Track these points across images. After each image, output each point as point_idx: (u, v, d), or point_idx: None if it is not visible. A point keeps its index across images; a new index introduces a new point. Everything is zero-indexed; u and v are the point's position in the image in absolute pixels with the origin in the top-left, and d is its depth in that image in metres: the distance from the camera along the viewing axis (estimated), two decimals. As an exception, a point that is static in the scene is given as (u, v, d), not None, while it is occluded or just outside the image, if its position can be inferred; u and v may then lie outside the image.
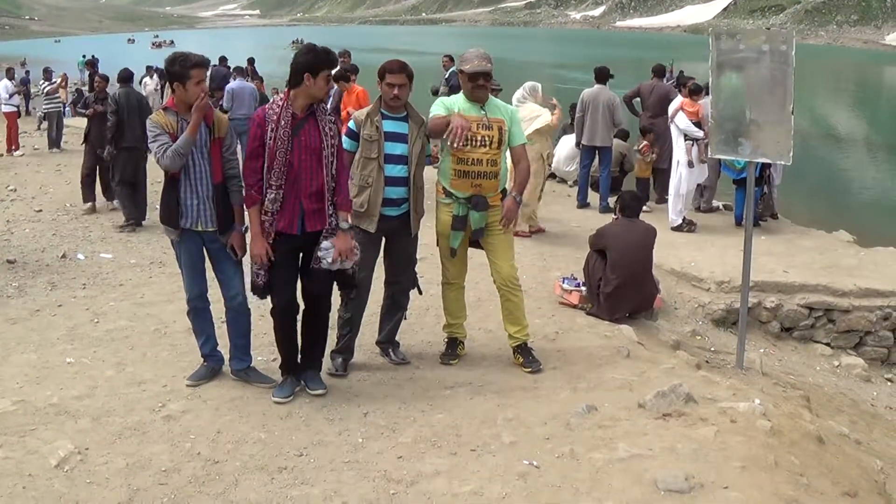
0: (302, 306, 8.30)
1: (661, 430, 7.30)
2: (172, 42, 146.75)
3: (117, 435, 7.36)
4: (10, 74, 33.73)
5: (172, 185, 8.04)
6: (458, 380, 8.70)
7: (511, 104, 9.03)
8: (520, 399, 8.19)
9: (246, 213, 8.16)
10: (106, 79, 19.47)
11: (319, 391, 8.32)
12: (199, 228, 8.11)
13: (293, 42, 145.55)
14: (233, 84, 23.05)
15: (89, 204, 17.22)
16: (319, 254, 7.85)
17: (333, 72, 8.57)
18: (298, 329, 8.35)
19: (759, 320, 12.78)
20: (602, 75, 18.00)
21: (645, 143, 18.29)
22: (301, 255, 8.09)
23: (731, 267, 12.87)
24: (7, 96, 27.63)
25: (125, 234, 15.18)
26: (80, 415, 7.74)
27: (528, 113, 15.00)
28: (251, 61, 32.74)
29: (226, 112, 18.59)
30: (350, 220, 8.17)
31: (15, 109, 27.50)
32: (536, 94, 15.45)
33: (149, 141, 8.06)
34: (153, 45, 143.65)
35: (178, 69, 7.91)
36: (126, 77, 17.45)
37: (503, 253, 8.91)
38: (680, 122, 16.24)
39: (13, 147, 26.18)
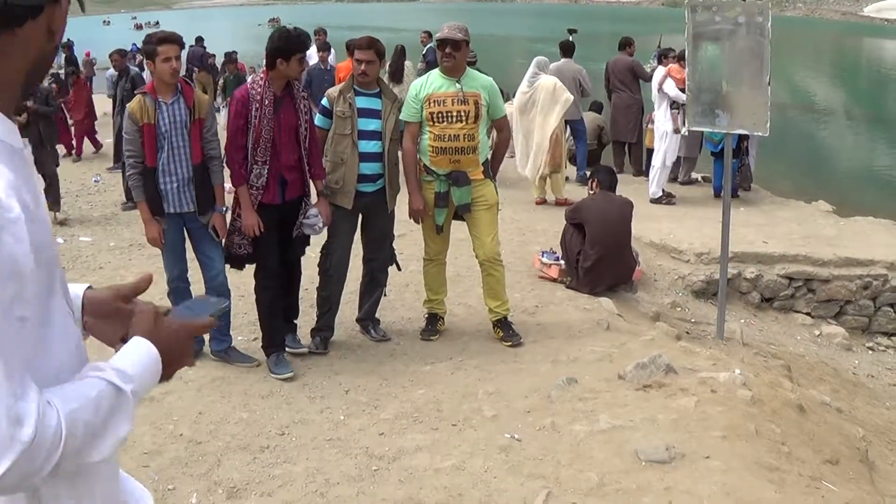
0: None
1: (642, 401, 7.30)
2: (157, 23, 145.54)
3: (99, 417, 7.34)
4: None
5: (149, 173, 8.01)
6: (439, 355, 8.74)
7: (489, 77, 9.03)
8: (500, 373, 8.23)
9: (227, 192, 8.24)
10: None
11: (301, 349, 8.66)
12: (181, 210, 8.13)
13: (270, 20, 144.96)
14: (113, 70, 22.64)
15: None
16: (308, 222, 8.25)
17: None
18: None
19: (739, 291, 12.81)
20: (567, 48, 17.89)
21: None
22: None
23: (710, 238, 12.86)
24: None
25: (104, 218, 15.13)
26: (61, 398, 7.70)
27: (546, 85, 15.21)
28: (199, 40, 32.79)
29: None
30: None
31: None
32: (546, 67, 15.71)
33: (123, 141, 8.16)
34: (136, 26, 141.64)
35: (148, 46, 7.94)
36: (125, 54, 18.48)
37: (486, 228, 8.89)
38: (669, 90, 16.22)
39: None
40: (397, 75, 18.74)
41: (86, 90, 22.04)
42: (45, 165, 14.90)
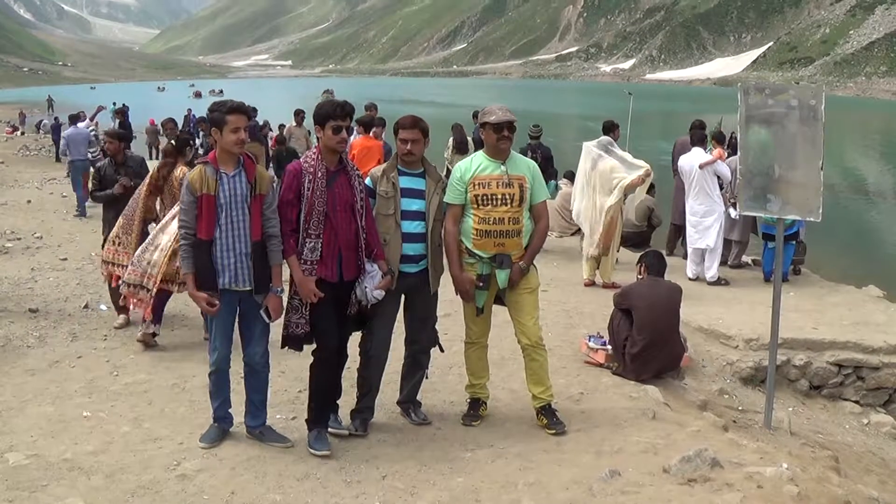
0: None
1: (686, 496, 7.16)
2: (221, 92, 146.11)
3: (130, 493, 7.27)
4: (80, 118, 33.81)
5: (201, 246, 7.92)
6: (480, 441, 8.55)
7: (532, 160, 8.95)
8: (542, 462, 8.04)
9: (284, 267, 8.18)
10: (120, 137, 13.93)
11: (342, 430, 8.54)
12: (237, 288, 8.04)
13: (324, 92, 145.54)
14: (69, 130, 26.32)
15: (122, 317, 12.75)
16: (369, 288, 8.12)
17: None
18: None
19: (788, 378, 12.59)
20: (608, 128, 17.57)
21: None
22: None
23: (760, 324, 12.69)
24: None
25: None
26: (93, 471, 7.67)
27: (604, 167, 15.25)
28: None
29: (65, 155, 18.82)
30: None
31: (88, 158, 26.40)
32: (609, 147, 15.70)
33: (180, 208, 8.07)
34: (195, 94, 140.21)
35: (216, 114, 7.86)
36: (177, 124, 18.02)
37: (528, 312, 8.75)
38: (725, 170, 16.08)
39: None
40: (463, 147, 18.81)
41: None
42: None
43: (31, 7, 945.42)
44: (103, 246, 12.66)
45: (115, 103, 46.30)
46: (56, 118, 54.81)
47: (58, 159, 39.90)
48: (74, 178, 24.95)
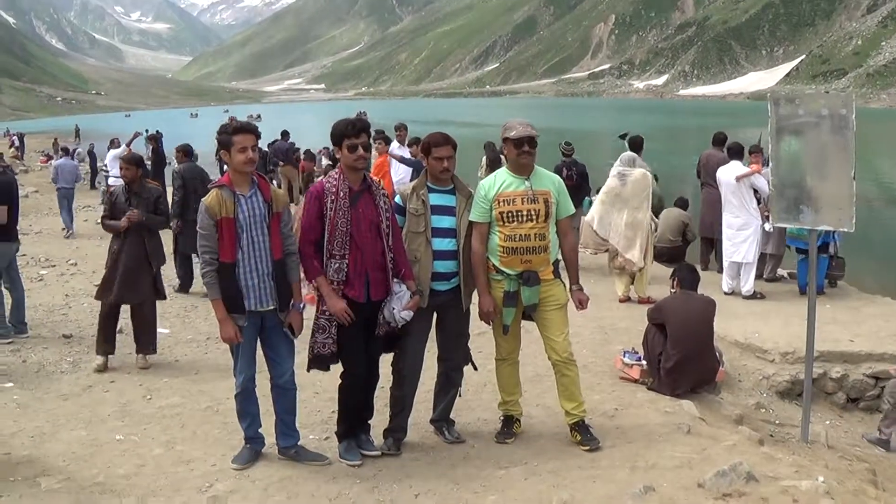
0: None
1: (721, 511, 7.05)
2: (259, 116, 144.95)
3: (162, 516, 7.21)
4: (114, 144, 34.20)
5: (225, 270, 7.87)
6: (513, 459, 8.45)
7: (556, 175, 8.83)
8: (575, 479, 7.93)
9: (304, 289, 8.14)
10: (138, 163, 12.50)
11: (374, 451, 8.44)
12: (261, 308, 8.01)
13: (358, 114, 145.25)
14: (58, 160, 29.86)
15: (101, 359, 11.88)
16: (396, 309, 8.04)
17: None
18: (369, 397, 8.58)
19: (825, 391, 12.48)
20: (635, 144, 17.45)
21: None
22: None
23: (796, 337, 12.53)
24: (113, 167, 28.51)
25: (184, 310, 15.10)
26: (125, 494, 7.65)
27: (639, 174, 15.70)
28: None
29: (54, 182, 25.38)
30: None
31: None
32: (633, 162, 15.95)
33: (198, 237, 7.97)
34: (230, 120, 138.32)
35: (223, 137, 7.84)
36: (188, 152, 18.06)
37: (557, 328, 8.65)
38: (762, 183, 15.90)
39: None
40: (496, 165, 18.90)
41: None
42: (141, 293, 12.23)
43: (63, 37, 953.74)
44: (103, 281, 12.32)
45: (147, 130, 46.40)
46: (91, 144, 55.07)
47: (93, 186, 40.19)
48: (61, 204, 27.40)
